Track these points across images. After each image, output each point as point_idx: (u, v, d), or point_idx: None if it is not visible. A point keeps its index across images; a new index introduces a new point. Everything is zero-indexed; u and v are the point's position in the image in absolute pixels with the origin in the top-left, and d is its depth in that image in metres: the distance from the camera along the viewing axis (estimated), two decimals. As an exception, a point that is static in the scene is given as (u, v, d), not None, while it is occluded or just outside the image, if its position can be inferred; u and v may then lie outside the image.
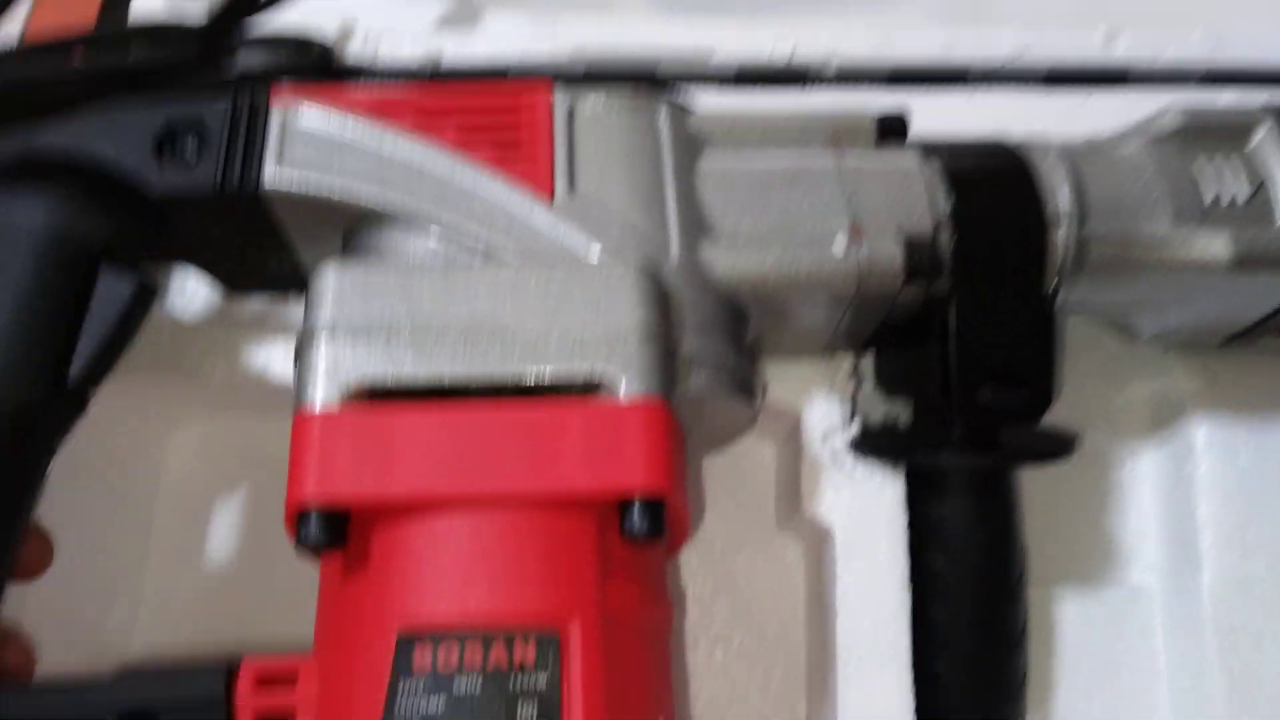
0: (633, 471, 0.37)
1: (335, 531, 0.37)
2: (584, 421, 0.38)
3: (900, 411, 0.53)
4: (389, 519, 0.38)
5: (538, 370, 0.39)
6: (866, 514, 0.50)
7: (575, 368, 0.39)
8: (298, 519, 0.37)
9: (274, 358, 0.53)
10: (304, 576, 0.52)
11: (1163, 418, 0.53)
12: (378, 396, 0.39)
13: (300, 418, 0.38)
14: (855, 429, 0.52)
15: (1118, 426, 0.54)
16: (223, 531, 0.57)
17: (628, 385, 0.39)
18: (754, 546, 0.55)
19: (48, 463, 0.42)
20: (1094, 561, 0.53)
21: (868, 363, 0.53)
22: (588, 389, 0.39)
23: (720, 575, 0.55)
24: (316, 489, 0.37)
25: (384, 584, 0.37)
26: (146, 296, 0.42)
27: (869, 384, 0.53)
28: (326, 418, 0.38)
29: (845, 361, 0.53)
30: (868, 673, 0.47)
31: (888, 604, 0.48)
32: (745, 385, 0.44)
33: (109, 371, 0.42)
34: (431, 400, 0.39)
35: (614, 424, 0.38)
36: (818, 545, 0.52)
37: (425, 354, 0.39)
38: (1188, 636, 0.50)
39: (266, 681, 0.39)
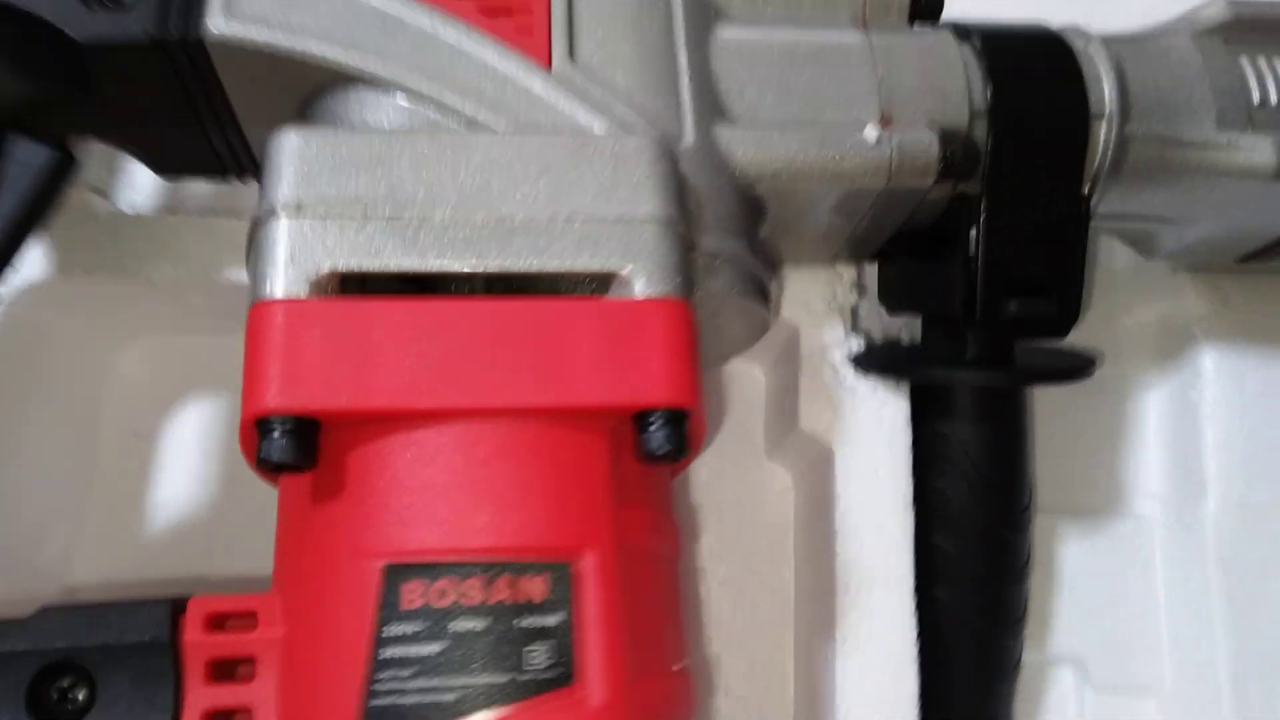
0: (654, 382, 0.33)
1: (303, 447, 0.31)
2: (597, 322, 0.33)
3: (902, 328, 0.50)
4: (368, 433, 0.32)
5: (542, 260, 0.33)
6: (868, 434, 0.46)
7: (585, 259, 0.33)
8: (258, 431, 0.31)
9: (228, 255, 0.46)
10: (264, 504, 0.47)
11: (1170, 342, 0.50)
12: (350, 290, 0.33)
13: (259, 310, 0.32)
14: (857, 344, 0.48)
15: (1123, 350, 0.52)
16: (172, 454, 0.51)
17: (647, 282, 0.34)
18: (741, 475, 0.52)
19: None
20: (1096, 490, 0.51)
21: (871, 275, 0.49)
22: (599, 285, 0.34)
23: (706, 505, 0.51)
24: (281, 395, 0.31)
25: (364, 509, 0.32)
26: (64, 167, 0.34)
27: (871, 298, 0.49)
28: (292, 309, 0.32)
29: (845, 272, 0.49)
30: (866, 599, 0.44)
31: (889, 528, 0.45)
32: (762, 289, 0.40)
33: (16, 253, 0.35)
34: (416, 295, 0.33)
35: (631, 326, 0.33)
36: (815, 466, 0.48)
37: (408, 238, 0.33)
38: (1189, 565, 0.48)
39: (219, 622, 0.34)
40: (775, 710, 0.50)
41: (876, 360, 0.47)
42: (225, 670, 0.33)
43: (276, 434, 0.31)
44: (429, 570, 0.31)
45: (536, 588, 0.31)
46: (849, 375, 0.47)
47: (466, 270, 0.33)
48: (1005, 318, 0.41)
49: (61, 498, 0.50)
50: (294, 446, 0.31)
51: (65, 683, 0.33)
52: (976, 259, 0.40)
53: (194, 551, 0.50)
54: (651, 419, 0.33)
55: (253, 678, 0.33)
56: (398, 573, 0.31)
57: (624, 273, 0.33)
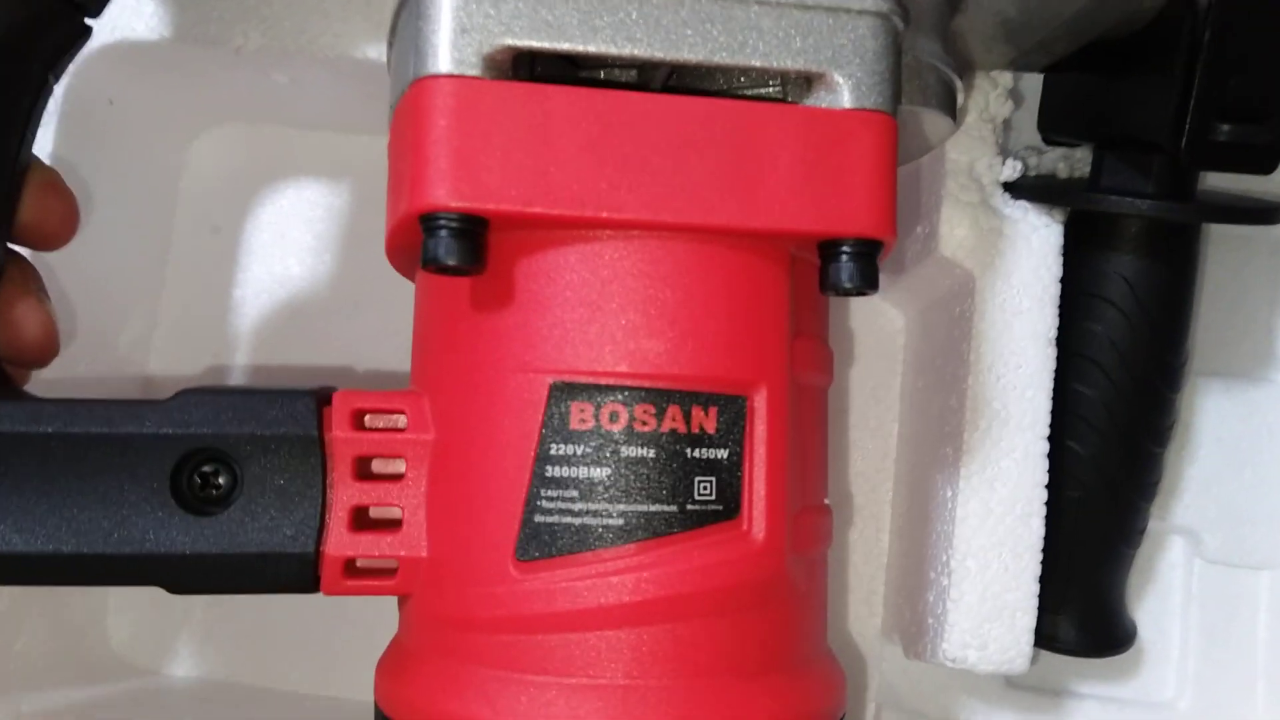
0: (852, 208, 0.30)
1: (472, 249, 0.28)
2: (796, 133, 0.29)
3: (1059, 159, 0.46)
4: (541, 240, 0.30)
5: (741, 54, 0.29)
6: (1015, 261, 0.43)
7: (791, 56, 0.29)
8: (424, 228, 0.28)
9: (319, 25, 0.42)
10: (349, 306, 0.45)
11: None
12: (521, 75, 0.29)
13: (425, 88, 0.28)
14: (1012, 165, 0.44)
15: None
16: (249, 252, 0.50)
17: (856, 89, 0.30)
18: (847, 312, 0.49)
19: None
20: (1236, 353, 0.48)
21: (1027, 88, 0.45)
22: (798, 89, 0.31)
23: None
24: (454, 189, 0.28)
25: (532, 321, 0.30)
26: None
27: (1026, 116, 0.45)
28: (465, 87, 0.28)
29: (1000, 79, 0.45)
30: (996, 438, 0.43)
31: (1029, 366, 0.43)
32: (952, 96, 0.36)
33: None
34: (599, 88, 0.29)
35: (834, 141, 0.30)
36: (951, 295, 0.46)
37: (592, 16, 0.29)
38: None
39: (364, 418, 0.32)
40: (866, 558, 0.50)
41: (1033, 186, 0.44)
42: (373, 468, 0.33)
43: (444, 233, 0.28)
44: (600, 392, 0.29)
45: (710, 419, 0.30)
46: (998, 196, 0.44)
47: (658, 57, 0.29)
48: (1213, 144, 0.37)
49: (136, 287, 0.48)
50: (463, 248, 0.28)
51: (208, 469, 0.32)
52: (1196, 74, 0.36)
53: (269, 351, 0.49)
54: (843, 249, 0.30)
55: (401, 478, 0.32)
56: (566, 391, 0.29)
57: (833, 76, 0.30)
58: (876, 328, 0.51)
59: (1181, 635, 0.49)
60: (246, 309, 0.49)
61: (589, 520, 0.29)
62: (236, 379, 0.49)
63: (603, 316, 0.29)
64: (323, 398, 0.32)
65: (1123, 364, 0.43)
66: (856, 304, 0.51)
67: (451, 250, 0.28)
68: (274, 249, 0.50)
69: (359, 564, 0.32)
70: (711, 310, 0.30)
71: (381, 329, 0.48)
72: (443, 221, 0.28)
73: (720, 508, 0.30)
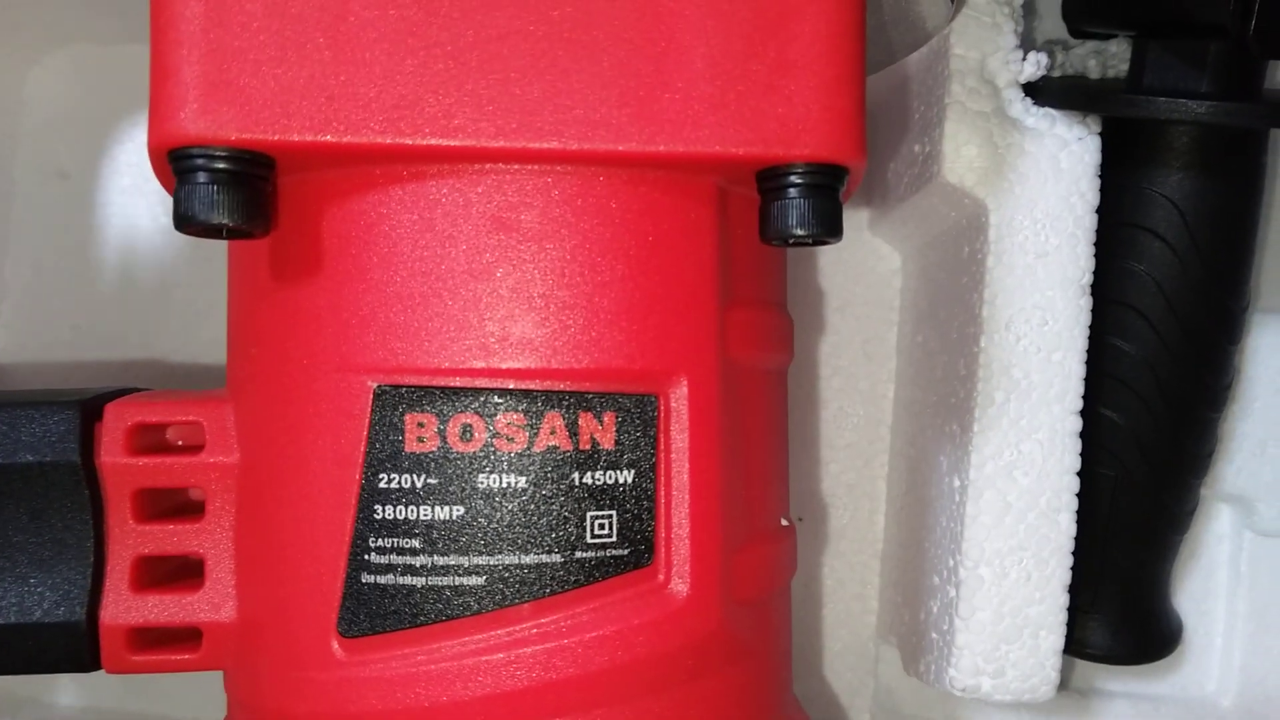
0: (802, 118, 0.21)
1: (247, 200, 0.20)
2: (720, 11, 0.20)
3: (1089, 56, 0.37)
4: (354, 183, 0.21)
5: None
6: (1038, 186, 0.35)
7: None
8: (174, 171, 0.19)
9: None
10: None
11: None
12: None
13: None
14: (1034, 63, 0.34)
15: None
16: (108, 199, 0.42)
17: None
18: (827, 253, 0.41)
19: None
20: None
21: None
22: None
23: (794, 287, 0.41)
24: (208, 109, 0.19)
25: (348, 301, 0.21)
26: None
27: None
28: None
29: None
30: (1017, 413, 0.34)
31: (1058, 320, 0.34)
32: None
33: None
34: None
35: (774, 21, 0.21)
36: (957, 231, 0.37)
37: None
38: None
39: (151, 437, 0.24)
40: (858, 545, 0.42)
41: (1061, 89, 0.34)
42: (162, 504, 0.24)
43: (201, 177, 0.19)
44: (445, 398, 0.21)
45: (606, 430, 0.21)
46: (1017, 102, 0.35)
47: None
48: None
49: None
50: (230, 199, 0.19)
51: (-61, 512, 0.23)
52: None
53: (135, 327, 0.42)
54: (789, 180, 0.21)
55: (201, 516, 0.24)
56: (397, 398, 0.21)
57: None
58: (867, 268, 0.42)
59: (1227, 621, 0.42)
60: (106, 270, 0.42)
61: (437, 580, 0.21)
62: (102, 356, 0.41)
63: (443, 289, 0.21)
64: (90, 410, 0.24)
65: (1170, 311, 0.35)
66: (851, 241, 0.42)
67: (211, 203, 0.19)
68: (135, 196, 0.42)
69: (152, 632, 0.24)
70: (603, 273, 0.21)
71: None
72: (197, 161, 0.19)
73: (625, 552, 0.21)
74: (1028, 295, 0.34)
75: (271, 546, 0.22)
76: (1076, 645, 0.37)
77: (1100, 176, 0.35)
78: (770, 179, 0.21)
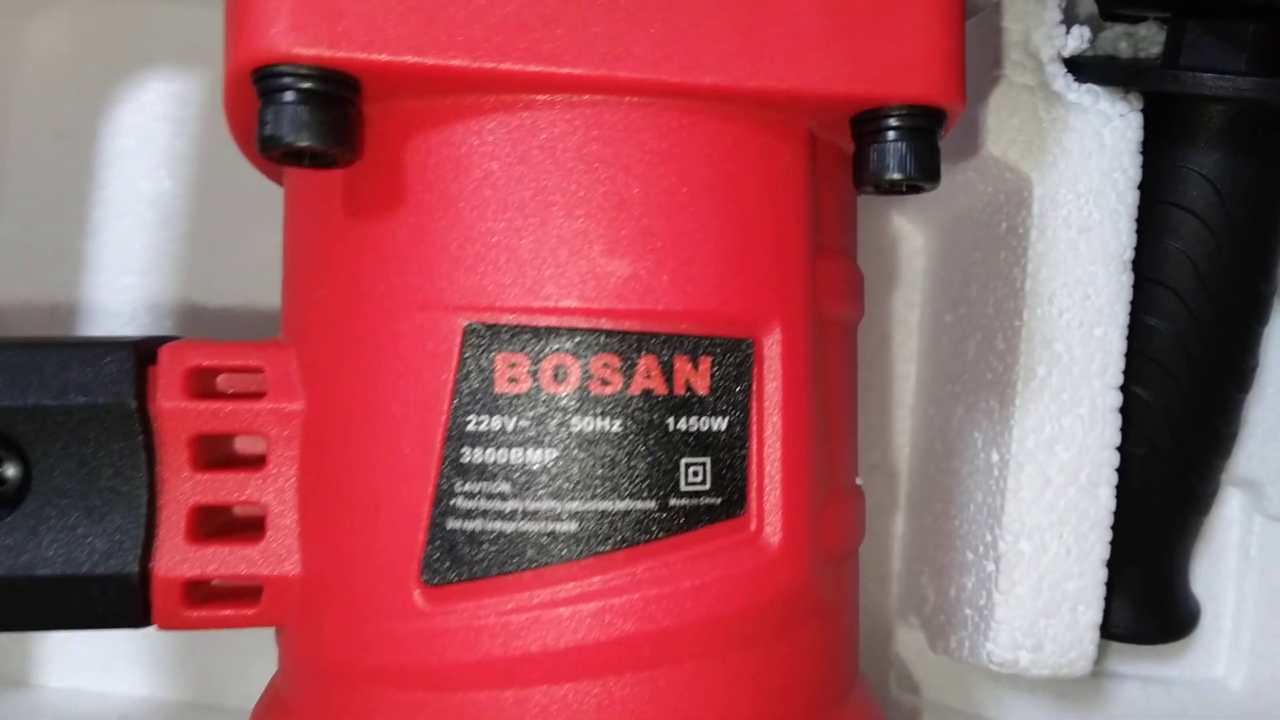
0: (906, 60, 0.20)
1: (334, 122, 0.19)
2: None
3: (1120, 37, 0.37)
4: (444, 111, 0.20)
5: None
6: (1082, 161, 0.34)
7: None
8: (259, 91, 0.19)
9: None
10: (235, 229, 0.35)
11: None
12: None
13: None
14: (1078, 34, 0.34)
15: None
16: (105, 160, 0.40)
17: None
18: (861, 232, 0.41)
19: None
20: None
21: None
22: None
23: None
24: (299, 24, 0.18)
25: (434, 235, 0.20)
26: None
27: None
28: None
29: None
30: (1058, 388, 0.34)
31: (1098, 296, 0.34)
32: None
33: None
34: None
35: None
36: (999, 201, 0.36)
37: None
38: None
39: (207, 381, 0.23)
40: (876, 527, 0.42)
41: (1103, 66, 0.34)
42: (222, 449, 0.23)
43: (288, 96, 0.18)
44: (538, 337, 0.20)
45: (701, 375, 0.20)
46: (1060, 78, 0.34)
47: None
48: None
49: None
50: (319, 120, 0.18)
51: (-16, 456, 0.22)
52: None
53: (134, 288, 0.40)
54: (889, 122, 0.20)
55: (262, 465, 0.22)
56: (488, 336, 0.20)
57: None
58: (886, 248, 0.42)
59: (1237, 604, 0.42)
60: (104, 235, 0.40)
61: (527, 526, 0.20)
62: (99, 324, 0.40)
63: (538, 225, 0.20)
64: (146, 352, 0.22)
65: (1203, 290, 0.35)
66: (859, 216, 0.42)
67: (300, 124, 0.18)
68: (135, 158, 0.40)
69: (207, 586, 0.23)
70: (701, 212, 0.20)
71: (275, 257, 0.38)
72: (287, 79, 0.18)
73: (718, 501, 0.21)
74: (1070, 270, 0.34)
75: (344, 495, 0.21)
76: (1101, 624, 0.37)
77: (1149, 151, 0.35)
78: (868, 121, 0.21)
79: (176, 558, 0.22)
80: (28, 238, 0.40)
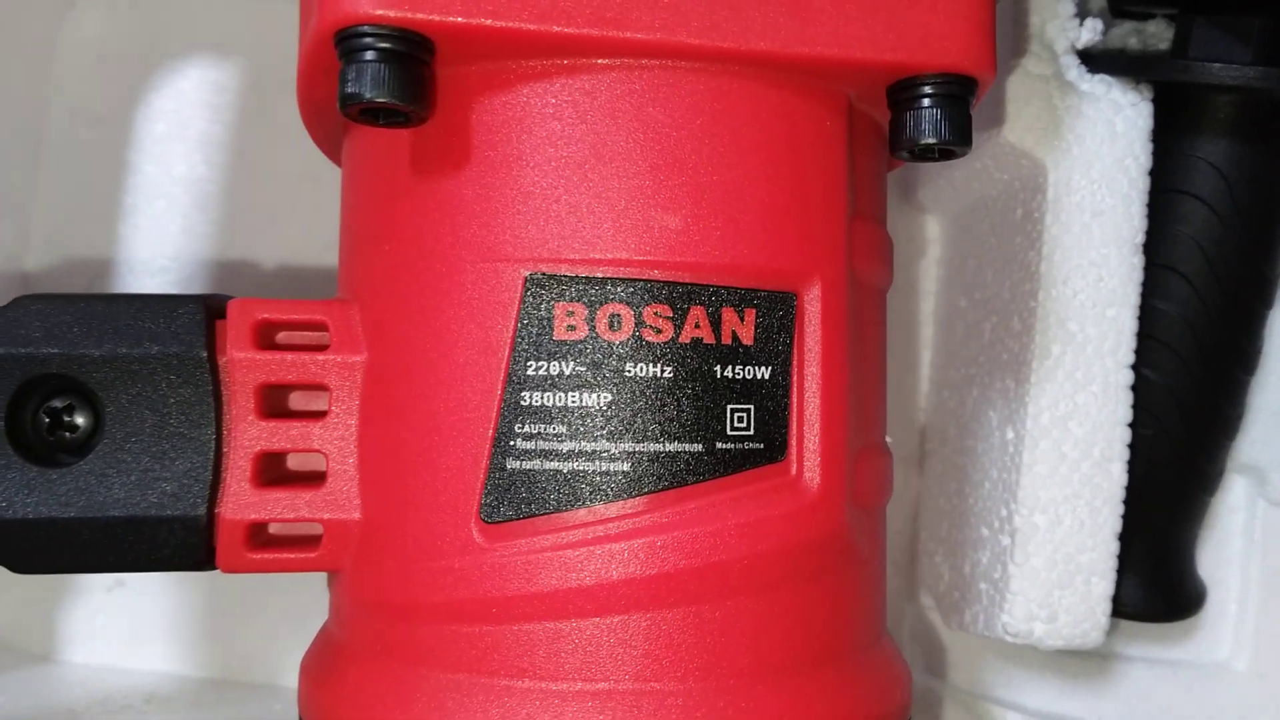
0: (941, 28, 0.21)
1: (412, 80, 0.20)
2: None
3: (1130, 34, 0.38)
4: (510, 73, 0.21)
5: None
6: (1095, 148, 0.36)
7: None
8: (340, 52, 0.20)
9: None
10: (267, 214, 0.36)
11: None
12: None
13: None
14: (1092, 25, 0.36)
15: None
16: (142, 145, 0.41)
17: None
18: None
19: None
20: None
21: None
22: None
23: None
24: None
25: (499, 190, 0.22)
26: None
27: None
28: None
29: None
30: (1072, 367, 0.35)
31: (1110, 278, 0.35)
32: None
33: None
34: None
35: None
36: (1014, 187, 0.38)
37: None
38: None
39: (272, 334, 0.24)
40: (890, 510, 0.43)
41: (1115, 57, 0.36)
42: (283, 401, 0.24)
43: (370, 55, 0.19)
44: (595, 287, 0.21)
45: (746, 326, 0.22)
46: (1074, 68, 0.36)
47: None
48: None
49: (2, 193, 0.39)
50: (398, 78, 0.20)
51: (58, 404, 0.23)
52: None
53: (167, 273, 0.41)
54: (924, 89, 0.22)
55: (324, 415, 0.24)
56: (548, 286, 0.21)
57: None
58: (900, 235, 0.43)
59: (1241, 588, 0.43)
60: (139, 220, 0.41)
61: (582, 465, 0.21)
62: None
63: (597, 181, 0.21)
64: (214, 307, 0.24)
65: (1211, 274, 0.36)
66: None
67: (380, 81, 0.19)
68: (171, 143, 0.41)
69: (269, 530, 0.24)
70: (749, 172, 0.21)
71: (306, 242, 0.39)
72: (368, 39, 0.19)
73: (761, 446, 0.22)
74: (1084, 253, 0.35)
75: (407, 440, 0.22)
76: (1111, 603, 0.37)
77: (1159, 139, 0.36)
78: (904, 89, 0.22)
79: (242, 501, 0.23)
80: (66, 221, 0.41)
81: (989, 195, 0.39)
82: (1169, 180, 0.36)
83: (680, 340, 0.21)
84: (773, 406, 0.22)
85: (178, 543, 0.23)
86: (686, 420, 0.21)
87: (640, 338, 0.21)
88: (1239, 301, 0.36)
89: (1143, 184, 0.35)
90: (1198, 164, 0.35)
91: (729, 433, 0.21)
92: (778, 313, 0.22)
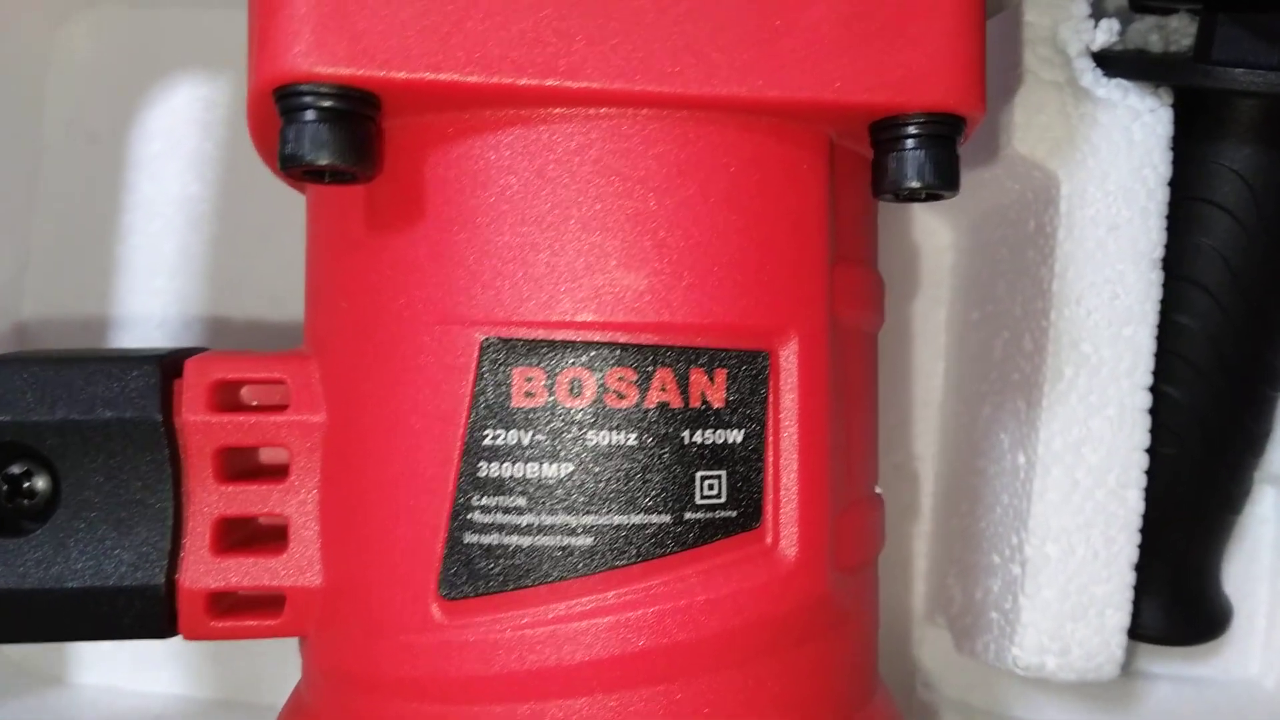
0: (925, 66, 0.20)
1: (355, 139, 0.19)
2: None
3: (1151, 30, 0.36)
4: (462, 127, 0.20)
5: None
6: (1111, 158, 0.34)
7: None
8: (280, 110, 0.19)
9: None
10: (264, 232, 0.36)
11: None
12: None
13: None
14: (1107, 27, 0.34)
15: None
16: (138, 163, 0.40)
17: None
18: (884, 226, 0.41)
19: None
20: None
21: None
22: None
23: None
24: (320, 43, 0.18)
25: (453, 251, 0.20)
26: None
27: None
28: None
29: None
30: (1086, 389, 0.33)
31: (1127, 295, 0.33)
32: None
33: None
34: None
35: None
36: (1027, 198, 0.36)
37: None
38: None
39: (231, 394, 0.23)
40: (903, 526, 0.41)
41: (1133, 60, 0.34)
42: (247, 461, 0.23)
43: (309, 115, 0.18)
44: (555, 351, 0.20)
45: (717, 388, 0.20)
46: (1088, 73, 0.34)
47: None
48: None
49: (3, 211, 0.39)
50: (340, 138, 0.19)
51: (15, 470, 0.23)
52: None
53: (165, 294, 0.40)
54: (908, 130, 0.20)
55: (285, 477, 0.23)
56: (505, 351, 0.20)
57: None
58: (914, 244, 0.42)
59: (1270, 602, 0.41)
60: (135, 238, 0.40)
61: (543, 540, 0.20)
62: (130, 327, 0.40)
63: (555, 239, 0.20)
64: (170, 366, 0.23)
65: (1235, 286, 0.34)
66: (886, 213, 0.41)
67: (321, 142, 0.18)
68: (164, 162, 0.40)
69: (232, 597, 0.23)
70: (718, 225, 0.20)
71: (301, 259, 0.38)
72: (307, 98, 0.18)
73: (734, 514, 0.21)
74: (1099, 269, 0.34)
75: (364, 507, 0.21)
76: (1130, 626, 0.36)
77: (1178, 146, 0.34)
78: (886, 129, 0.20)
79: (201, 569, 0.22)
80: (62, 240, 0.41)
81: (1002, 205, 0.38)
82: (1190, 188, 0.34)
83: (645, 405, 0.20)
84: (746, 472, 0.21)
85: (138, 612, 0.22)
86: (652, 490, 0.20)
87: (603, 404, 0.20)
88: (1265, 315, 0.34)
89: (1161, 195, 0.34)
90: (1220, 170, 0.33)
91: (699, 501, 0.20)
92: (751, 372, 0.20)
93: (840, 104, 0.20)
